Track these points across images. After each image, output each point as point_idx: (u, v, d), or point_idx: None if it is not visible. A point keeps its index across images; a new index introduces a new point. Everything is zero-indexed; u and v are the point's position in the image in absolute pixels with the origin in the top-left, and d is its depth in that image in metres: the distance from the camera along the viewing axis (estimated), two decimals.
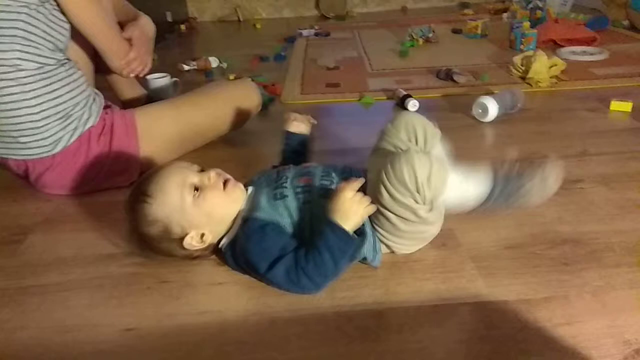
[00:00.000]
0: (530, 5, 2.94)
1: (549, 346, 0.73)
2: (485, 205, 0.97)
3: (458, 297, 0.84)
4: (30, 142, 1.15)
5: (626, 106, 1.58)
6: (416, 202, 0.84)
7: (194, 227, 0.88)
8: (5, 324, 0.85)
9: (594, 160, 1.28)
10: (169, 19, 3.28)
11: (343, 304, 0.84)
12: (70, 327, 0.83)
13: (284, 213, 0.89)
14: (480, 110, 1.54)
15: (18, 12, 1.08)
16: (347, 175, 0.95)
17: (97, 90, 1.30)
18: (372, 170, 0.92)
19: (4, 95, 1.09)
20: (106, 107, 1.28)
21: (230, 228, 0.91)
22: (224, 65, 2.39)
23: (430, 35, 2.64)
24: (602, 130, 1.47)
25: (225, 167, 0.95)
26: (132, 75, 1.38)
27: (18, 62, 1.09)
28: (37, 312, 0.87)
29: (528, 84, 1.86)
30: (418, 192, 0.82)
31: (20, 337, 0.82)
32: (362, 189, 0.89)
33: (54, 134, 1.16)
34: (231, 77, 2.13)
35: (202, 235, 0.90)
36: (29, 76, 1.10)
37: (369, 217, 0.89)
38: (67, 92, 1.17)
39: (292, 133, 1.12)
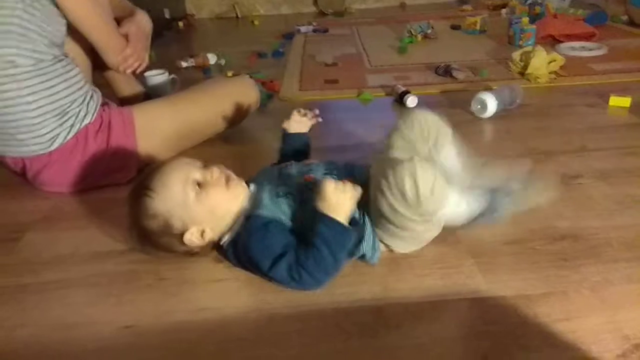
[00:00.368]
0: (529, 1, 2.94)
1: (548, 342, 0.73)
2: (476, 221, 0.95)
3: (457, 292, 0.84)
4: (26, 139, 1.14)
5: (625, 101, 1.58)
6: (413, 215, 0.82)
7: (195, 223, 0.88)
8: (4, 321, 0.85)
9: (593, 156, 1.28)
10: (167, 15, 3.27)
11: (342, 301, 0.84)
12: (68, 325, 0.83)
13: (286, 210, 0.89)
14: (479, 106, 1.54)
15: (13, 7, 1.07)
16: (349, 171, 0.95)
17: (94, 87, 1.29)
18: (376, 170, 0.91)
19: (1, 92, 1.09)
20: (103, 104, 1.28)
21: (233, 225, 0.91)
22: (222, 62, 2.38)
23: (429, 31, 2.63)
24: (601, 125, 1.47)
25: (225, 164, 0.95)
26: (128, 71, 1.38)
27: (14, 58, 1.08)
28: (36, 310, 0.87)
29: (527, 79, 1.85)
30: (419, 205, 0.80)
31: (19, 335, 0.82)
32: (366, 185, 0.89)
33: (50, 131, 1.15)
34: (229, 73, 2.13)
35: (203, 232, 0.89)
36: (25, 72, 1.10)
37: (370, 216, 0.89)
38: (64, 89, 1.16)
39: (290, 134, 1.12)
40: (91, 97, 1.23)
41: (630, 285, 0.84)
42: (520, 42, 2.30)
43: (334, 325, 0.79)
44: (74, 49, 1.29)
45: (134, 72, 1.43)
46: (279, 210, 0.88)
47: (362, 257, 0.90)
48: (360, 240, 0.88)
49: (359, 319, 0.80)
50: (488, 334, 0.75)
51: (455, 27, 2.85)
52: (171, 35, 3.19)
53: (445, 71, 1.98)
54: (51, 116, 1.14)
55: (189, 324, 0.82)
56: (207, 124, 1.40)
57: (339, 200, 0.82)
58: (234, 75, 2.06)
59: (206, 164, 0.93)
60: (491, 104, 1.51)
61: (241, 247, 0.87)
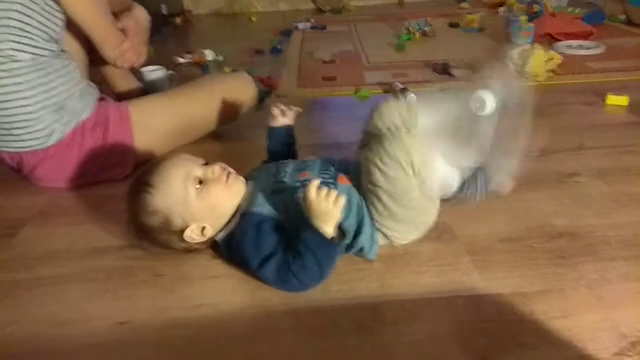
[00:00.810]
0: (528, 0, 2.94)
1: (545, 339, 0.73)
2: (467, 192, 0.96)
3: (454, 290, 0.84)
4: (23, 134, 1.14)
5: (622, 100, 1.58)
6: (407, 174, 0.84)
7: (195, 219, 0.88)
8: None
9: (590, 154, 1.28)
10: (164, 11, 3.26)
11: (339, 297, 0.83)
12: (64, 321, 0.82)
13: (282, 208, 0.88)
14: (477, 105, 1.53)
15: (12, 2, 1.06)
16: (344, 168, 0.95)
17: (91, 82, 1.29)
18: (364, 162, 0.91)
19: None
20: (100, 99, 1.27)
21: (229, 222, 0.91)
22: (220, 58, 2.37)
23: (427, 28, 2.63)
24: (598, 124, 1.47)
25: (222, 161, 0.94)
26: (126, 65, 1.37)
27: (12, 52, 1.07)
28: (31, 306, 0.86)
29: (524, 77, 1.85)
30: (412, 168, 0.83)
31: (14, 331, 0.81)
32: (357, 183, 0.90)
33: (47, 126, 1.15)
34: (227, 70, 2.12)
35: (203, 228, 0.89)
36: (24, 67, 1.09)
37: (366, 204, 0.89)
38: (62, 84, 1.16)
39: (275, 128, 1.11)
40: (88, 92, 1.23)
41: (628, 283, 0.84)
42: (518, 41, 2.30)
43: (331, 322, 0.79)
44: (71, 45, 1.29)
45: (131, 67, 1.42)
46: (274, 207, 0.88)
47: (360, 250, 0.89)
48: (358, 233, 0.88)
49: (355, 316, 0.80)
50: (484, 331, 0.75)
51: (453, 25, 2.84)
52: (168, 31, 3.17)
53: (443, 69, 1.98)
54: (48, 111, 1.14)
55: (185, 320, 0.81)
56: (204, 119, 1.39)
57: (322, 208, 0.80)
58: (231, 71, 2.06)
59: (207, 161, 0.93)
60: (490, 102, 1.51)
61: (234, 244, 0.87)
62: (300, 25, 3.03)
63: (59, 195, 1.21)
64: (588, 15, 2.63)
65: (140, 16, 1.39)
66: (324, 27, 3.04)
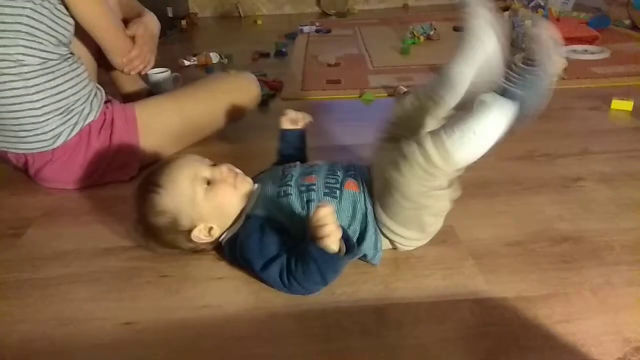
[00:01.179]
0: (532, 4, 2.94)
1: (549, 343, 0.73)
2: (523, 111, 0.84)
3: (458, 293, 0.84)
4: (29, 136, 1.15)
5: (627, 105, 1.58)
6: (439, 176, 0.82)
7: (203, 220, 0.89)
8: (4, 317, 0.85)
9: (595, 159, 1.28)
10: (170, 14, 3.27)
11: (343, 300, 0.84)
12: (69, 321, 0.83)
13: (287, 211, 0.89)
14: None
15: (22, 7, 1.07)
16: (351, 173, 0.95)
17: (98, 85, 1.29)
18: (379, 166, 0.91)
19: (7, 89, 1.09)
20: (107, 101, 1.28)
21: (234, 223, 0.91)
22: (225, 61, 2.39)
23: (432, 32, 2.63)
24: (603, 129, 1.47)
25: (228, 162, 0.95)
26: (133, 72, 1.38)
27: (21, 57, 1.08)
28: (37, 306, 0.87)
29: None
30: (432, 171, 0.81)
31: (19, 330, 0.82)
32: (369, 186, 0.90)
33: (54, 129, 1.15)
34: (232, 72, 2.12)
35: (210, 229, 0.90)
36: (32, 71, 1.10)
37: (374, 212, 0.89)
38: (70, 87, 1.16)
39: (287, 130, 1.12)
40: (95, 94, 1.23)
41: (632, 288, 0.84)
42: (523, 45, 2.30)
43: (335, 324, 0.79)
44: (80, 48, 1.29)
45: (138, 73, 1.43)
46: (279, 210, 0.89)
47: (364, 256, 0.90)
48: (361, 240, 0.88)
49: (359, 319, 0.80)
50: (488, 335, 0.76)
51: (458, 29, 2.85)
52: (174, 34, 3.19)
53: None
54: (55, 114, 1.14)
55: (189, 321, 0.82)
56: (209, 119, 1.40)
57: (322, 235, 0.78)
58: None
59: (215, 162, 0.93)
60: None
61: (238, 246, 0.87)
62: (305, 29, 3.04)
63: (64, 195, 1.22)
64: (593, 20, 2.63)
65: (150, 23, 1.39)
66: (328, 31, 3.04)
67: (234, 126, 1.47)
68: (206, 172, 0.90)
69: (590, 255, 0.92)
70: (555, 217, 1.04)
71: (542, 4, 2.88)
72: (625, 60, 2.11)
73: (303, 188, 0.91)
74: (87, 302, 0.87)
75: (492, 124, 0.80)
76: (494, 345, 0.74)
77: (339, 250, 0.80)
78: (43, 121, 1.13)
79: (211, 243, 0.93)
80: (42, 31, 1.10)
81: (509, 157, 1.29)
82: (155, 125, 1.30)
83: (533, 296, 0.82)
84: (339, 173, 0.94)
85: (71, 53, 1.20)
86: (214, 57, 2.37)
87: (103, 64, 1.39)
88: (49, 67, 1.12)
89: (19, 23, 1.07)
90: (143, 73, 1.43)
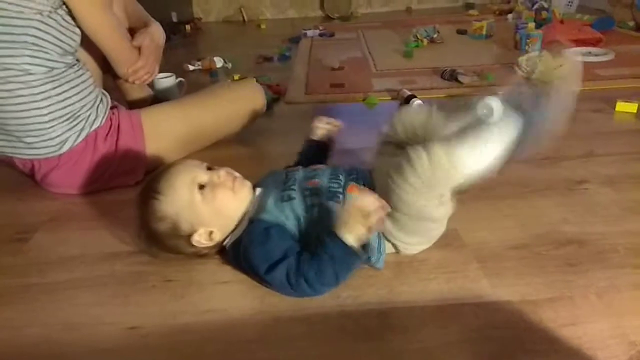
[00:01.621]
0: (536, 6, 2.94)
1: (554, 347, 0.73)
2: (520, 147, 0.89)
3: (462, 297, 0.84)
4: (36, 142, 1.15)
5: (632, 107, 1.58)
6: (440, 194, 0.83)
7: (202, 224, 0.89)
8: (11, 321, 0.85)
9: (600, 161, 1.28)
10: (174, 19, 3.29)
11: (347, 304, 0.84)
12: (75, 325, 0.83)
13: (290, 215, 0.89)
14: (485, 111, 1.53)
15: (30, 19, 1.08)
16: (354, 176, 0.96)
17: (104, 91, 1.30)
18: (381, 171, 0.91)
19: (14, 97, 1.10)
20: (112, 107, 1.29)
21: (236, 227, 0.92)
22: (229, 65, 2.40)
23: (435, 35, 2.64)
24: (607, 131, 1.47)
25: (231, 167, 0.95)
26: (137, 82, 1.39)
27: (27, 66, 1.09)
28: (43, 310, 0.87)
29: (533, 84, 1.85)
30: (430, 185, 0.82)
31: (26, 335, 0.82)
32: (370, 188, 0.90)
33: (60, 135, 1.16)
34: (236, 77, 2.14)
35: (211, 233, 0.90)
36: (38, 79, 1.11)
37: None
38: (76, 94, 1.17)
39: (314, 140, 1.12)
40: (101, 101, 1.24)
41: (637, 291, 0.83)
42: (527, 48, 2.30)
43: (339, 328, 0.79)
44: (86, 54, 1.30)
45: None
46: (282, 214, 0.89)
47: (368, 259, 0.90)
48: (365, 244, 0.88)
49: (364, 322, 0.80)
50: (493, 339, 0.75)
51: (461, 32, 2.85)
52: (178, 39, 3.20)
53: (451, 76, 1.98)
54: (62, 121, 1.15)
55: (194, 325, 0.82)
56: (214, 127, 1.41)
57: (359, 222, 0.79)
58: (240, 78, 2.08)
59: (213, 166, 0.94)
60: (498, 109, 1.51)
61: (242, 250, 0.87)
62: (309, 33, 3.05)
63: (71, 201, 1.23)
64: (597, 21, 2.62)
65: (156, 34, 1.40)
66: (332, 34, 3.05)
67: (239, 130, 1.48)
68: (204, 176, 0.90)
69: (595, 258, 0.91)
70: (560, 220, 1.04)
71: (546, 6, 2.89)
72: (629, 62, 2.11)
73: (307, 192, 0.91)
74: (92, 307, 0.88)
75: (499, 134, 0.81)
76: (498, 349, 0.74)
77: (356, 250, 0.81)
78: (49, 127, 1.14)
79: (213, 247, 0.93)
80: (48, 42, 1.11)
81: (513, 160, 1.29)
82: (161, 131, 1.31)
83: (538, 299, 0.82)
84: (341, 177, 0.95)
85: (77, 60, 1.21)
86: (218, 62, 2.38)
87: (109, 70, 1.40)
88: (54, 75, 1.13)
89: (26, 34, 1.08)
90: (147, 82, 1.44)
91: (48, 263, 1.00)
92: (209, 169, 0.93)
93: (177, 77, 1.75)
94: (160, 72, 1.66)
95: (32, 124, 1.13)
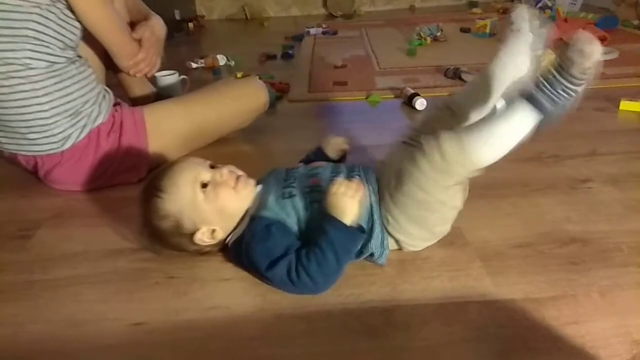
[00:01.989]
0: (539, 5, 2.93)
1: (557, 345, 0.73)
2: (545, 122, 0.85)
3: (465, 295, 0.84)
4: (39, 138, 1.16)
5: (636, 106, 1.57)
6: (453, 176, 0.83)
7: (205, 222, 0.89)
8: (15, 318, 0.85)
9: (603, 160, 1.27)
10: (178, 17, 3.29)
11: (350, 302, 0.84)
12: (79, 322, 0.84)
13: (291, 212, 0.89)
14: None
15: (29, 12, 1.08)
16: (356, 173, 0.96)
17: (107, 88, 1.31)
18: (394, 161, 0.92)
19: (15, 92, 1.10)
20: (115, 104, 1.29)
21: (238, 225, 0.92)
22: (232, 63, 2.40)
23: (439, 34, 2.63)
24: (611, 129, 1.47)
25: (233, 165, 0.95)
26: (139, 75, 1.39)
27: (29, 61, 1.09)
28: (47, 307, 0.88)
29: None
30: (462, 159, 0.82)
31: (29, 331, 0.82)
32: (373, 186, 0.91)
33: (63, 131, 1.16)
34: (239, 75, 2.14)
35: (213, 231, 0.90)
36: (40, 74, 1.11)
37: (379, 210, 0.89)
38: (77, 90, 1.17)
39: (322, 150, 1.11)
40: (103, 97, 1.25)
41: None
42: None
43: (342, 326, 0.79)
44: (88, 51, 1.31)
45: (145, 75, 1.44)
46: (283, 212, 0.89)
47: (371, 256, 0.90)
48: (368, 239, 0.88)
49: (367, 320, 0.80)
50: (496, 337, 0.75)
51: (464, 30, 2.84)
52: (181, 37, 3.21)
53: (455, 74, 1.98)
54: (64, 116, 1.16)
55: (197, 322, 0.82)
56: (217, 124, 1.41)
57: (344, 201, 0.83)
58: (243, 76, 2.08)
59: (216, 164, 0.94)
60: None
61: (244, 247, 0.88)
62: (312, 31, 3.05)
63: (74, 197, 1.23)
64: (601, 20, 2.62)
65: (157, 27, 1.40)
66: (335, 32, 3.05)
67: (242, 128, 1.48)
68: (207, 174, 0.90)
69: (598, 257, 0.91)
70: (563, 219, 1.03)
71: (550, 4, 2.88)
72: (633, 60, 2.10)
73: (307, 189, 0.91)
74: (96, 303, 0.88)
75: (513, 129, 0.82)
76: (502, 347, 0.74)
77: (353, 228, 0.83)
78: (52, 123, 1.15)
79: (216, 245, 0.93)
80: (49, 35, 1.11)
81: (517, 159, 1.28)
82: (164, 129, 1.31)
83: (541, 298, 0.82)
84: (342, 174, 0.95)
85: (78, 56, 1.21)
86: (221, 60, 2.38)
87: (111, 66, 1.41)
88: (56, 70, 1.13)
89: (26, 28, 1.08)
90: (149, 76, 1.44)
91: (51, 260, 1.00)
92: (212, 167, 0.93)
93: (180, 75, 1.75)
94: (163, 69, 1.67)
95: (34, 119, 1.13)
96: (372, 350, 0.75)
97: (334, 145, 1.11)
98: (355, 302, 0.84)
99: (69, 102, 1.16)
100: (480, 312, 0.80)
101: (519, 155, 1.29)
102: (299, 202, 0.90)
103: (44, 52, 1.11)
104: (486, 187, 1.14)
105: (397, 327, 0.79)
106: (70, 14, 1.16)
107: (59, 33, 1.13)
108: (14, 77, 1.09)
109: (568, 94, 0.83)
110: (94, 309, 0.86)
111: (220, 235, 0.91)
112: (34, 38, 1.09)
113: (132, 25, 1.35)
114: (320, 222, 0.85)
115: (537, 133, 0.83)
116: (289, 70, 2.26)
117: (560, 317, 0.78)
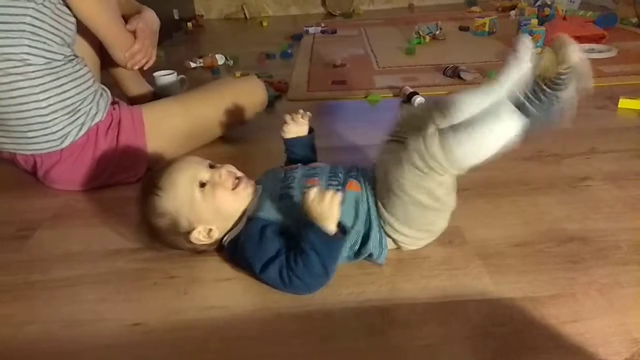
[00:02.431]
0: (538, 3, 2.93)
1: (556, 344, 0.73)
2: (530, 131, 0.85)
3: (464, 294, 0.84)
4: (38, 136, 1.16)
5: (635, 104, 1.57)
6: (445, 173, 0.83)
7: (202, 222, 0.89)
8: (13, 318, 0.85)
9: (602, 158, 1.27)
10: (176, 16, 3.29)
11: (349, 300, 0.84)
12: (78, 322, 0.83)
13: (288, 213, 0.89)
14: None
15: (25, 7, 1.08)
16: (353, 174, 0.95)
17: (104, 86, 1.30)
18: (383, 162, 0.91)
19: (13, 89, 1.10)
20: (114, 102, 1.29)
21: (235, 225, 0.92)
22: (230, 62, 2.39)
23: (437, 32, 2.63)
24: (610, 127, 1.46)
25: (232, 164, 0.95)
26: (136, 67, 1.39)
27: (26, 57, 1.09)
28: (45, 307, 0.88)
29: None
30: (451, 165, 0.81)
31: (28, 332, 0.82)
32: (371, 186, 0.90)
33: (61, 129, 1.16)
34: (237, 74, 2.13)
35: (210, 230, 0.90)
36: (37, 71, 1.11)
37: (377, 211, 0.89)
38: (75, 87, 1.17)
39: (291, 139, 1.09)
40: (101, 95, 1.25)
41: (639, 288, 0.83)
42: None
43: (341, 325, 0.79)
44: (84, 49, 1.30)
45: (141, 69, 1.44)
46: (280, 212, 0.89)
47: (370, 256, 0.90)
48: (366, 240, 0.88)
49: (366, 319, 0.80)
50: (495, 336, 0.75)
51: (463, 29, 2.84)
52: (180, 36, 3.20)
53: (454, 73, 1.98)
54: (62, 114, 1.15)
55: (196, 321, 0.82)
56: (215, 123, 1.41)
57: (320, 209, 0.80)
58: (242, 75, 2.07)
59: (215, 164, 0.93)
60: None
61: (239, 248, 0.88)
62: (311, 30, 3.05)
63: (72, 197, 1.23)
64: (600, 18, 2.62)
65: (150, 19, 1.40)
66: (334, 31, 3.05)
67: (240, 127, 1.48)
68: (205, 174, 0.90)
69: (597, 255, 0.91)
70: (562, 217, 1.03)
71: (549, 2, 2.87)
72: (632, 58, 2.10)
73: (305, 190, 0.91)
74: (95, 304, 0.88)
75: (499, 132, 0.82)
76: (501, 346, 0.73)
77: (335, 234, 0.82)
78: (50, 121, 1.14)
79: (212, 245, 0.93)
80: (45, 30, 1.11)
81: (516, 157, 1.29)
82: (162, 127, 1.31)
83: (540, 296, 0.82)
84: (340, 175, 0.95)
85: (75, 55, 1.21)
86: (220, 59, 2.38)
87: (108, 65, 1.40)
88: (53, 68, 1.13)
89: (22, 23, 1.08)
90: (146, 67, 1.44)
91: (50, 260, 1.00)
92: (212, 166, 0.93)
93: (178, 75, 1.75)
94: (161, 69, 1.67)
95: (32, 117, 1.13)
96: (372, 349, 0.75)
97: (292, 127, 1.08)
98: (355, 301, 0.84)
99: (66, 99, 1.16)
100: (480, 311, 0.80)
101: (518, 153, 1.31)
102: (297, 202, 0.89)
103: (41, 47, 1.11)
104: (486, 186, 1.14)
105: (396, 325, 0.79)
106: (64, 9, 1.16)
107: (55, 28, 1.13)
108: (11, 74, 1.09)
109: (549, 99, 0.84)
110: (92, 309, 0.86)
111: (216, 234, 0.91)
112: (31, 33, 1.09)
113: (125, 19, 1.35)
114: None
115: (528, 137, 0.83)
116: (287, 69, 2.26)
117: (560, 315, 0.78)
